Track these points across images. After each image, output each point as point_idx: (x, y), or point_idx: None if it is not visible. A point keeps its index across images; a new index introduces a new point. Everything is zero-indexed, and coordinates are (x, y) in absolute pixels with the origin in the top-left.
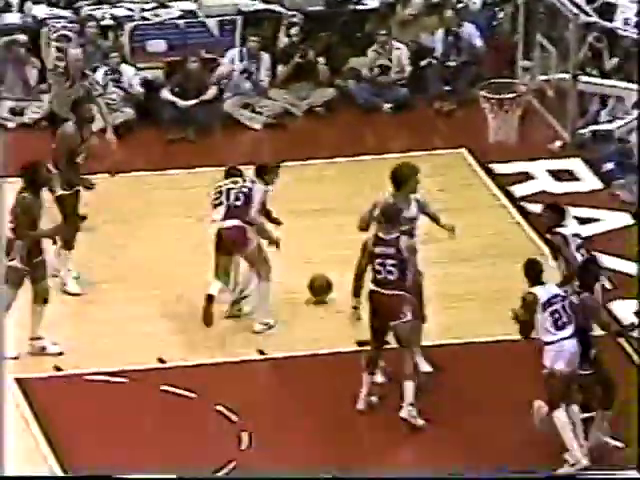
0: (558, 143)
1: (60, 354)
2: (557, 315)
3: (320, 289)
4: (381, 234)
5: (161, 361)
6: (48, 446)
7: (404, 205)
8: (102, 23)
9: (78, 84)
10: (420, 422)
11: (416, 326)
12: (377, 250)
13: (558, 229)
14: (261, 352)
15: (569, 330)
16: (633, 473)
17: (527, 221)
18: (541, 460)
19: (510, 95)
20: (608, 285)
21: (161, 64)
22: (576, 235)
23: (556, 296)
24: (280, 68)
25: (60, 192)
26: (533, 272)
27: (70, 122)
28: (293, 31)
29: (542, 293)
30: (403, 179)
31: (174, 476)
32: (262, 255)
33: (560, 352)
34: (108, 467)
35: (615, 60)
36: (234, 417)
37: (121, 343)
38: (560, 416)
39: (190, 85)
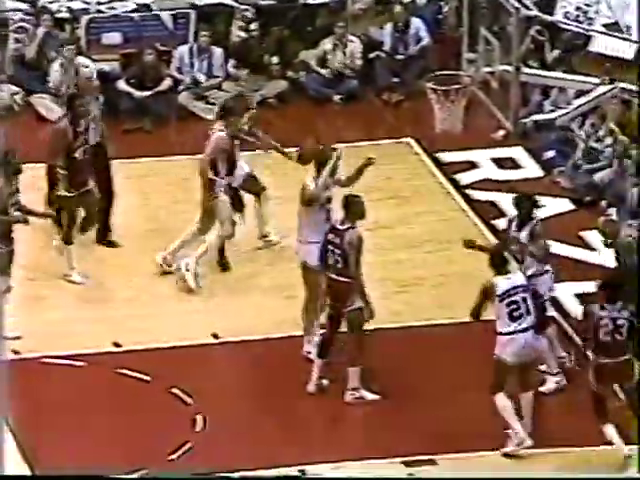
0: (501, 132)
1: (18, 338)
2: (514, 306)
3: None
4: (338, 224)
5: (116, 345)
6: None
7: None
8: (58, 16)
9: (90, 104)
10: (370, 396)
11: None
12: (329, 237)
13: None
14: (215, 336)
15: (525, 323)
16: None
17: (472, 208)
18: (487, 440)
19: (455, 86)
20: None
21: (117, 56)
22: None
23: (517, 287)
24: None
25: (63, 193)
26: (497, 261)
27: (64, 119)
28: (252, 26)
29: (502, 284)
30: (323, 161)
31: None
32: (227, 212)
33: (510, 343)
34: (64, 449)
35: (556, 52)
36: (189, 400)
37: (77, 327)
38: (500, 399)
39: (146, 77)
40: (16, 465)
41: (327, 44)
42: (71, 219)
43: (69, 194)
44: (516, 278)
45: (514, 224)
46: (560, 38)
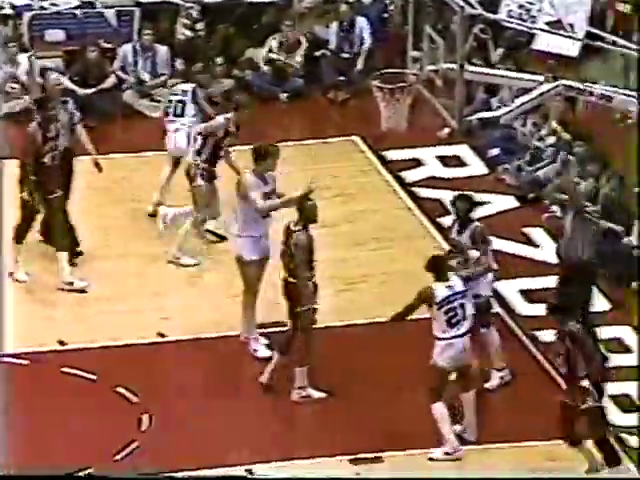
0: (446, 130)
1: None
2: (452, 313)
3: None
4: (292, 225)
5: (61, 343)
6: None
7: (262, 180)
8: (1, 12)
9: (58, 109)
10: (316, 394)
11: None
12: (283, 237)
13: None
14: (161, 335)
15: (463, 328)
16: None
17: (417, 206)
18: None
19: (401, 85)
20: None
21: (60, 53)
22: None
23: (456, 294)
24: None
25: (26, 197)
26: (435, 268)
27: (34, 123)
28: (199, 26)
29: (441, 291)
30: (262, 155)
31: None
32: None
33: (448, 348)
34: (9, 448)
35: (500, 50)
36: (134, 399)
37: (22, 325)
38: (437, 408)
39: (89, 74)
40: None
41: (273, 41)
42: (28, 220)
43: (30, 198)
44: (455, 284)
45: (455, 226)
46: (504, 36)
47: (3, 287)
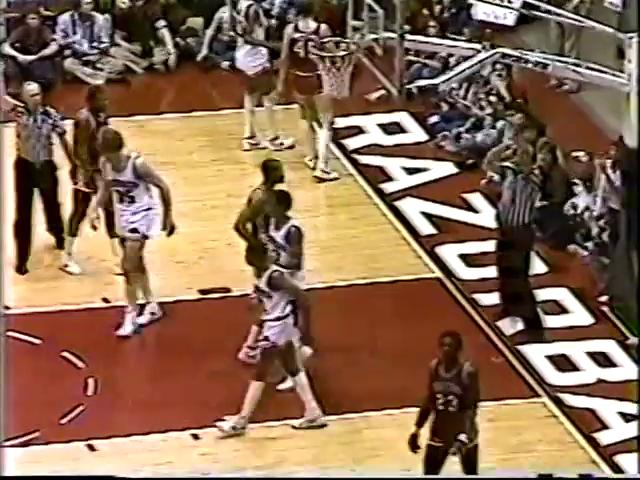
0: (377, 93)
1: None
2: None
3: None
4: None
5: (6, 307)
6: None
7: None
8: None
9: (39, 119)
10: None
11: None
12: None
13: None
14: (105, 300)
15: (292, 305)
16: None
17: (359, 172)
18: (365, 400)
19: (342, 53)
20: None
21: (1, 20)
22: None
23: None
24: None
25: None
26: (253, 259)
27: (84, 110)
28: None
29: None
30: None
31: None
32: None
33: (286, 327)
34: None
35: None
36: (80, 363)
37: None
38: (299, 379)
39: (30, 41)
40: None
41: (223, 12)
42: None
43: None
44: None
45: (273, 222)
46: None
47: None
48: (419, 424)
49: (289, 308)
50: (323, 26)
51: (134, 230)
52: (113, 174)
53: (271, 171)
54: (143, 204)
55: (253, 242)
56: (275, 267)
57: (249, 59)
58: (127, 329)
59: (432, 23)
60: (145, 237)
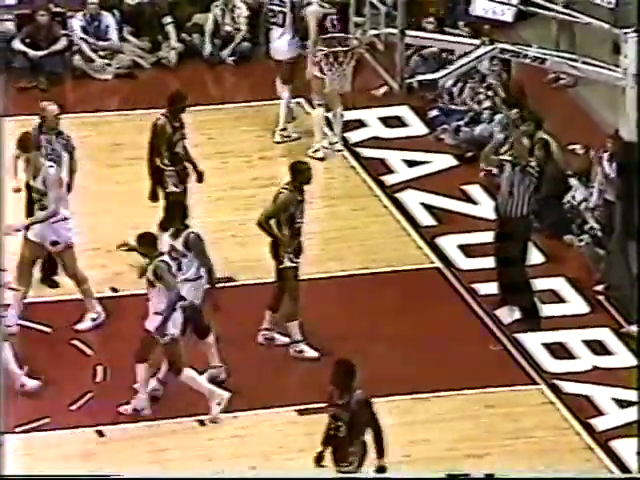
0: (383, 89)
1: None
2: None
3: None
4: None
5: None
6: None
7: None
8: None
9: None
10: (313, 353)
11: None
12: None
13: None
14: (114, 289)
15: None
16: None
17: (361, 165)
18: (366, 387)
19: (344, 49)
20: None
21: (12, 17)
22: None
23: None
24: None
25: (172, 189)
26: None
27: (161, 117)
28: None
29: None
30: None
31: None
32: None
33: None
34: None
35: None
36: (89, 351)
37: None
38: (188, 374)
39: (40, 36)
40: None
41: (216, 9)
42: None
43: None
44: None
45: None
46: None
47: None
48: (324, 443)
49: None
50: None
51: (55, 243)
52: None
53: (299, 173)
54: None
55: (278, 237)
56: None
57: (290, 48)
58: (86, 324)
59: (430, 19)
60: (69, 247)
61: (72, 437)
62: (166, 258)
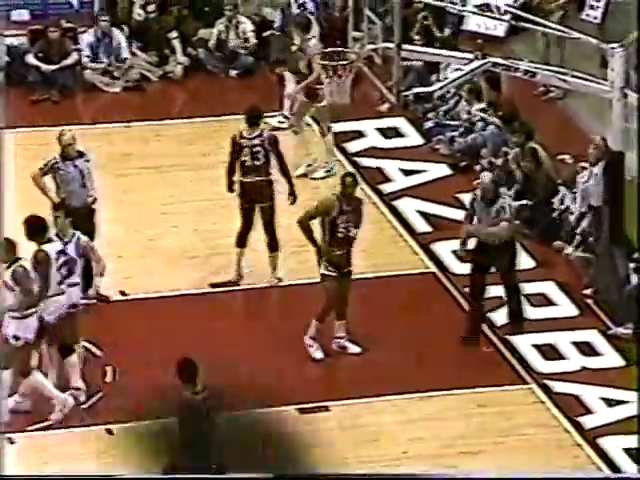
0: (386, 105)
1: None
2: None
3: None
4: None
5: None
6: None
7: None
8: None
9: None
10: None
11: None
12: None
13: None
14: (123, 293)
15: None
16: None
17: (360, 174)
18: (366, 387)
19: (343, 62)
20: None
21: (25, 32)
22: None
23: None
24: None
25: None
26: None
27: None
28: (150, 8)
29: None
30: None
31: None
32: None
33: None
34: None
35: (447, 31)
36: (99, 352)
37: None
38: (36, 378)
39: (52, 51)
40: None
41: (220, 25)
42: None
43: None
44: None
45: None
46: (441, 18)
47: None
48: None
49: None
50: (313, 41)
51: None
52: None
53: (342, 184)
54: None
55: (313, 240)
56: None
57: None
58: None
59: (417, 37)
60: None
61: (83, 435)
62: (25, 263)
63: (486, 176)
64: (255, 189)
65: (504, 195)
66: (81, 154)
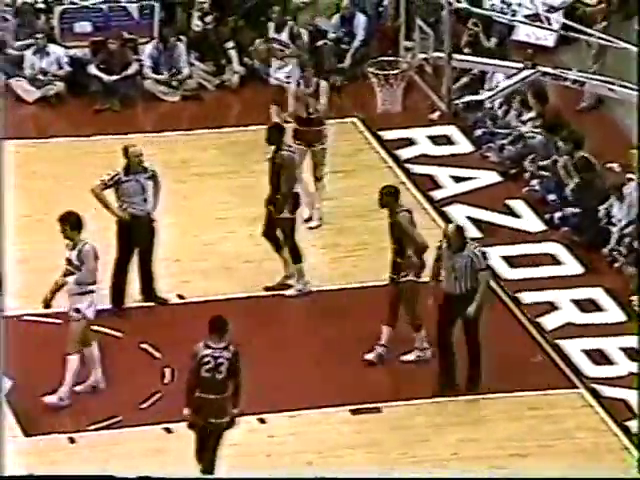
0: (437, 113)
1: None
2: None
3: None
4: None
5: (180, 296)
6: None
7: None
8: (35, 6)
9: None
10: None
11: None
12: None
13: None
14: (180, 296)
15: None
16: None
17: (411, 180)
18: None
19: (395, 71)
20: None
21: (87, 43)
22: None
23: None
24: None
25: (286, 215)
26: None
27: (285, 151)
28: (208, 19)
29: None
30: None
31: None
32: None
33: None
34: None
35: (494, 40)
36: (157, 354)
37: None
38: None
39: (114, 62)
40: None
41: (282, 35)
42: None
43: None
44: None
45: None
46: (492, 28)
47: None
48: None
49: None
50: (323, 82)
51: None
52: None
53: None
54: None
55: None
56: None
57: None
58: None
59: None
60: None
61: (141, 435)
62: (91, 243)
63: (451, 225)
64: None
65: (471, 243)
66: (145, 169)
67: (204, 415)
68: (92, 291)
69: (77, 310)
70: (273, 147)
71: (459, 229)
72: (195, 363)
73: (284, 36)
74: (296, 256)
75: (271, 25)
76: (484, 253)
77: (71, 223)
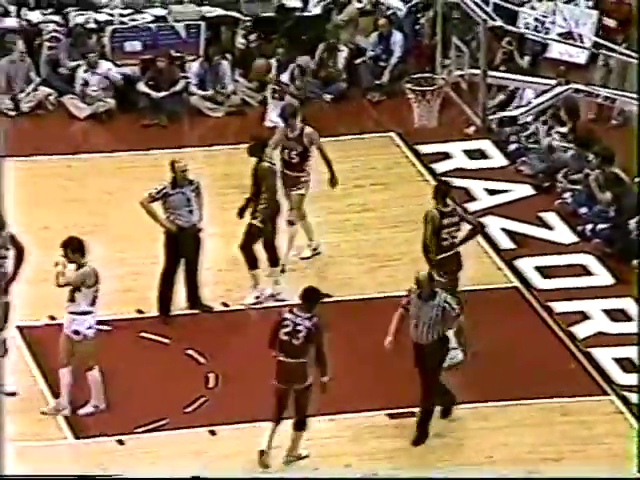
0: (472, 128)
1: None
2: None
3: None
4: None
5: (139, 312)
6: (46, 384)
7: None
8: (87, 26)
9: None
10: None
11: None
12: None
13: None
14: (225, 304)
15: None
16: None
17: None
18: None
19: (431, 88)
20: None
21: (137, 61)
22: None
23: None
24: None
25: (258, 223)
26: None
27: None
28: (252, 37)
29: None
30: None
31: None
32: None
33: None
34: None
35: (527, 58)
36: (202, 360)
37: (106, 296)
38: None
39: (161, 79)
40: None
41: (319, 52)
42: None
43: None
44: None
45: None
46: (525, 45)
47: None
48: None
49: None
50: (308, 129)
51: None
52: None
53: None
54: None
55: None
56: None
57: None
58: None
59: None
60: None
61: (187, 437)
62: (93, 265)
63: (422, 273)
64: None
65: (440, 292)
66: (190, 182)
67: (283, 378)
68: (91, 312)
69: (76, 332)
70: (255, 159)
71: (430, 277)
72: (276, 323)
73: (285, 77)
74: (252, 262)
75: (274, 64)
76: (458, 299)
77: (73, 246)
